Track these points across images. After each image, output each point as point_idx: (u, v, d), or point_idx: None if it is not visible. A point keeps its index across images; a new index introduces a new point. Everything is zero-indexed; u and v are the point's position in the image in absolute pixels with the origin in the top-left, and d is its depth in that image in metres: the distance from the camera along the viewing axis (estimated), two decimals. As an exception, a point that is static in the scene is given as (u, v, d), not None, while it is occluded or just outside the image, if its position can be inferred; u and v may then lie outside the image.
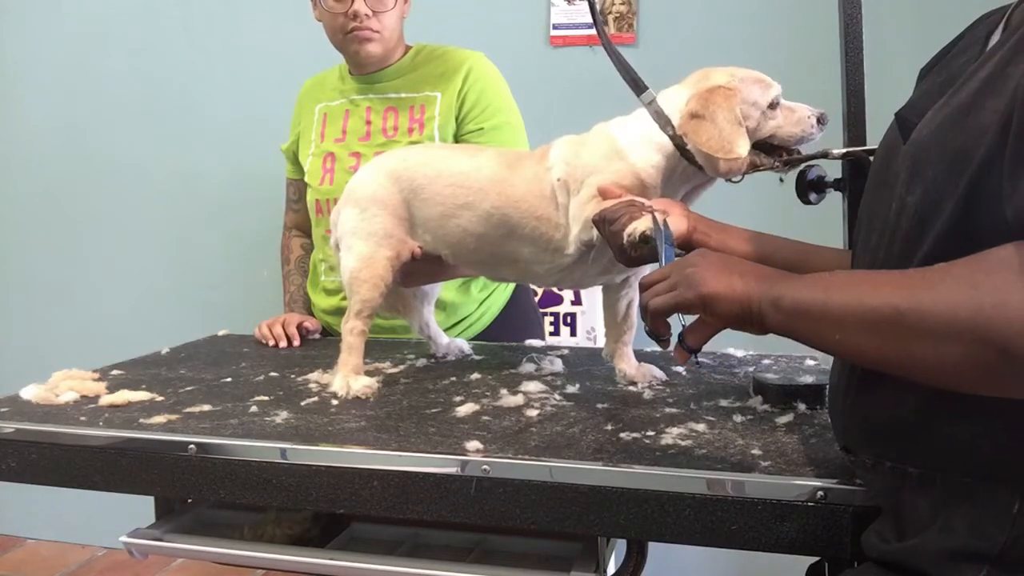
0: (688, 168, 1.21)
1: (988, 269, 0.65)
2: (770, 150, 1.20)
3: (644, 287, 0.93)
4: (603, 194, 1.19)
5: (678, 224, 1.13)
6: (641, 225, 1.07)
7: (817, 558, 0.97)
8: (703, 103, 1.16)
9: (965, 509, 0.74)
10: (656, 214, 1.06)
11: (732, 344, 1.61)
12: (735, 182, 1.21)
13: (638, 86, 1.21)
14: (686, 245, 1.13)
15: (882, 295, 0.71)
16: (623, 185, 1.19)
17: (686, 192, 1.26)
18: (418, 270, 1.46)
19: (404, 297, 1.55)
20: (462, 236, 1.35)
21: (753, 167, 1.19)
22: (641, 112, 1.23)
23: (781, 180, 1.23)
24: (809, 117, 1.18)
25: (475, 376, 1.43)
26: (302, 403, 1.27)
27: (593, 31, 2.42)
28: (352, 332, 1.37)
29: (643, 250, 1.08)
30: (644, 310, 0.92)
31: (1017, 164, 0.65)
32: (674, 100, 1.21)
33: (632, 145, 1.23)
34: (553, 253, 1.29)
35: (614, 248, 1.13)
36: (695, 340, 0.90)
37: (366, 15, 1.73)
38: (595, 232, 1.20)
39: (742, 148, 1.15)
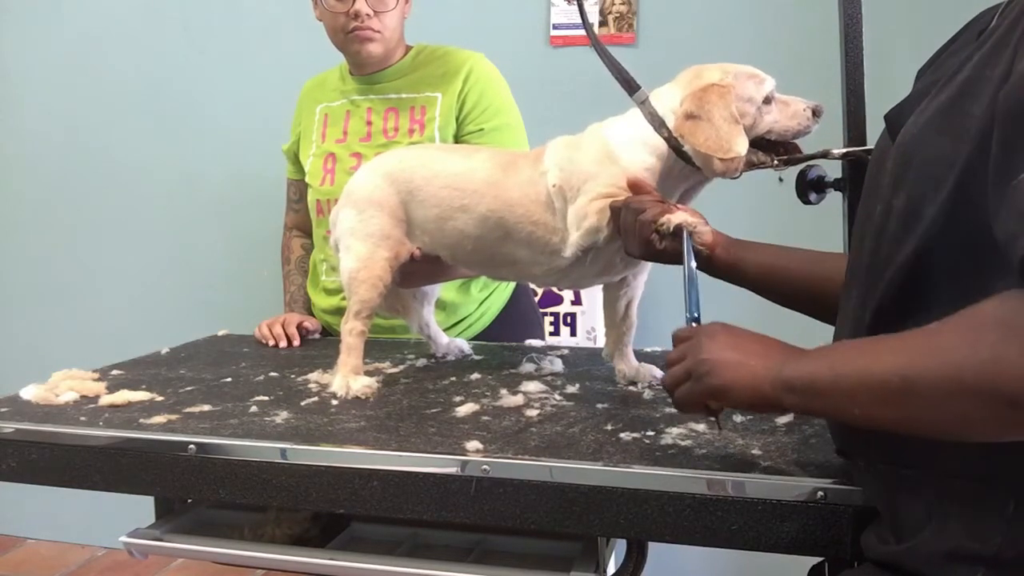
0: (685, 168, 1.20)
1: (981, 327, 0.65)
2: (767, 146, 1.19)
3: (668, 364, 0.95)
4: (632, 185, 1.18)
5: (704, 237, 1.14)
6: (676, 218, 1.09)
7: (819, 559, 0.96)
8: (698, 103, 1.15)
9: (959, 511, 0.74)
10: (687, 217, 1.08)
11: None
12: (734, 178, 1.21)
13: (630, 86, 1.20)
14: (705, 261, 1.13)
15: (886, 365, 0.70)
16: (621, 187, 1.19)
17: (683, 191, 1.25)
18: (417, 271, 1.46)
19: (403, 297, 1.55)
20: (459, 238, 1.35)
21: (750, 165, 1.19)
22: (634, 112, 1.22)
23: (780, 180, 1.23)
24: (805, 110, 1.17)
25: (475, 376, 1.42)
26: (302, 403, 1.27)
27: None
28: (351, 332, 1.37)
29: (668, 244, 1.10)
30: (670, 394, 0.95)
31: (1000, 182, 0.65)
32: (667, 100, 1.19)
33: (625, 148, 1.22)
34: (550, 256, 1.29)
35: (635, 239, 1.13)
36: (716, 404, 0.92)
37: (367, 15, 1.73)
38: (600, 236, 1.20)
39: (740, 146, 1.14)
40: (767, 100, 1.17)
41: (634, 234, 1.13)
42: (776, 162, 1.18)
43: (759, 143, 1.18)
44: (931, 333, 0.69)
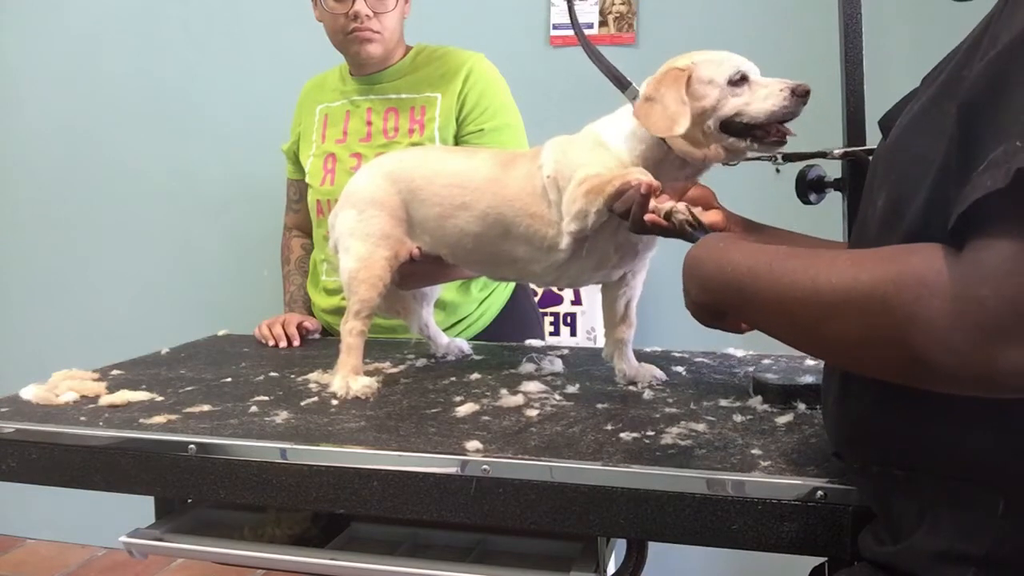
0: (677, 158, 1.21)
1: (901, 282, 0.66)
2: (742, 130, 1.16)
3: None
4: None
5: (712, 217, 1.14)
6: (666, 205, 1.10)
7: (820, 560, 0.96)
8: (655, 86, 1.17)
9: (951, 511, 0.74)
10: (691, 212, 1.09)
11: (732, 344, 1.61)
12: (731, 165, 1.21)
13: (621, 83, 1.23)
14: None
15: (793, 265, 0.75)
16: (611, 170, 1.20)
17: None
18: (417, 271, 1.46)
19: (403, 298, 1.55)
20: (460, 236, 1.36)
21: (732, 153, 1.18)
22: (625, 108, 1.24)
23: (778, 171, 1.22)
24: (781, 90, 1.13)
25: (475, 376, 1.42)
26: (302, 403, 1.27)
27: (593, 31, 2.42)
28: (351, 332, 1.37)
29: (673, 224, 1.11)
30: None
31: (961, 176, 0.64)
32: None
33: (615, 138, 1.24)
34: (548, 251, 1.29)
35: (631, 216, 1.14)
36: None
37: (367, 16, 1.73)
38: (588, 220, 1.21)
39: (681, 126, 1.14)
40: (734, 82, 1.15)
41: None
42: (761, 151, 1.17)
43: (735, 128, 1.16)
44: (851, 277, 0.70)
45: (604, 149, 1.24)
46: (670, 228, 1.10)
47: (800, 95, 1.13)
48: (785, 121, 1.16)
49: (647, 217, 1.12)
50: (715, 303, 0.89)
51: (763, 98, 1.14)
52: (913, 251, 0.67)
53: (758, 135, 1.16)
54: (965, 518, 0.73)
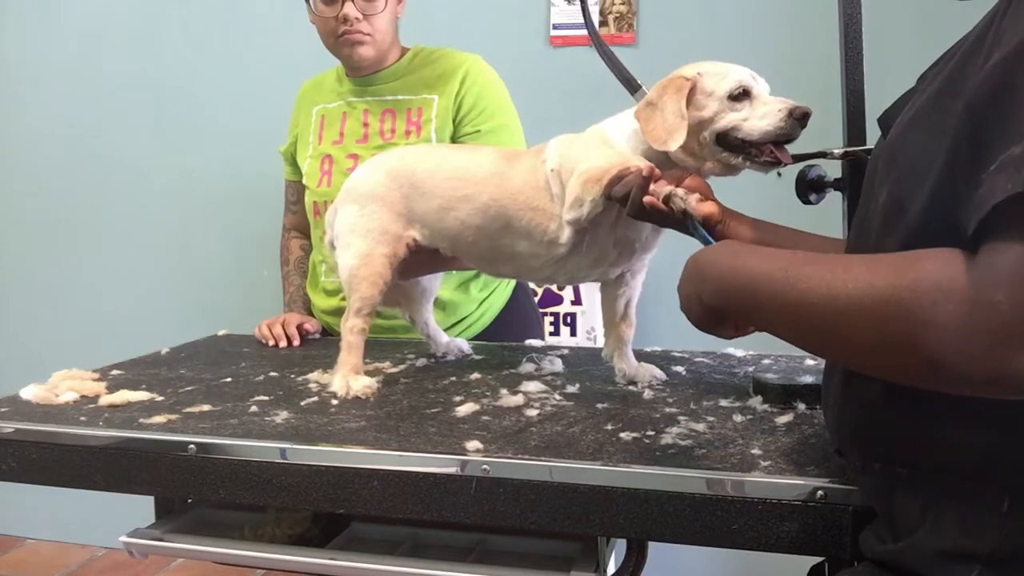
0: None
1: (916, 287, 0.66)
2: (737, 147, 1.16)
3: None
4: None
5: (708, 208, 1.14)
6: (665, 189, 1.11)
7: (819, 559, 0.96)
8: (659, 92, 1.18)
9: (954, 509, 0.74)
10: (690, 197, 1.09)
11: (732, 344, 1.61)
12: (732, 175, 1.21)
13: (631, 85, 1.24)
14: (708, 229, 1.13)
15: (819, 309, 0.74)
16: (613, 164, 1.20)
17: None
18: (416, 262, 1.45)
19: (404, 290, 1.55)
20: (460, 229, 1.36)
21: (728, 168, 1.18)
22: (632, 109, 1.24)
23: (779, 174, 1.22)
24: (779, 111, 1.12)
25: (475, 376, 1.43)
26: (302, 403, 1.27)
27: (593, 31, 2.43)
28: (352, 331, 1.38)
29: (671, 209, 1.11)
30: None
31: (971, 175, 0.65)
32: None
33: (620, 136, 1.25)
34: (548, 245, 1.30)
35: (637, 201, 1.14)
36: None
37: (356, 18, 1.73)
38: (585, 209, 1.21)
39: (675, 142, 1.15)
40: (734, 96, 1.15)
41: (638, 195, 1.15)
42: (746, 163, 1.17)
43: (730, 142, 1.17)
44: (867, 283, 0.70)
45: (608, 146, 1.24)
46: (668, 213, 1.11)
47: (798, 118, 1.13)
48: (782, 142, 1.15)
49: (646, 200, 1.12)
50: (726, 306, 0.89)
51: (760, 116, 1.14)
52: (928, 256, 0.67)
53: (752, 153, 1.16)
54: (969, 515, 0.73)
